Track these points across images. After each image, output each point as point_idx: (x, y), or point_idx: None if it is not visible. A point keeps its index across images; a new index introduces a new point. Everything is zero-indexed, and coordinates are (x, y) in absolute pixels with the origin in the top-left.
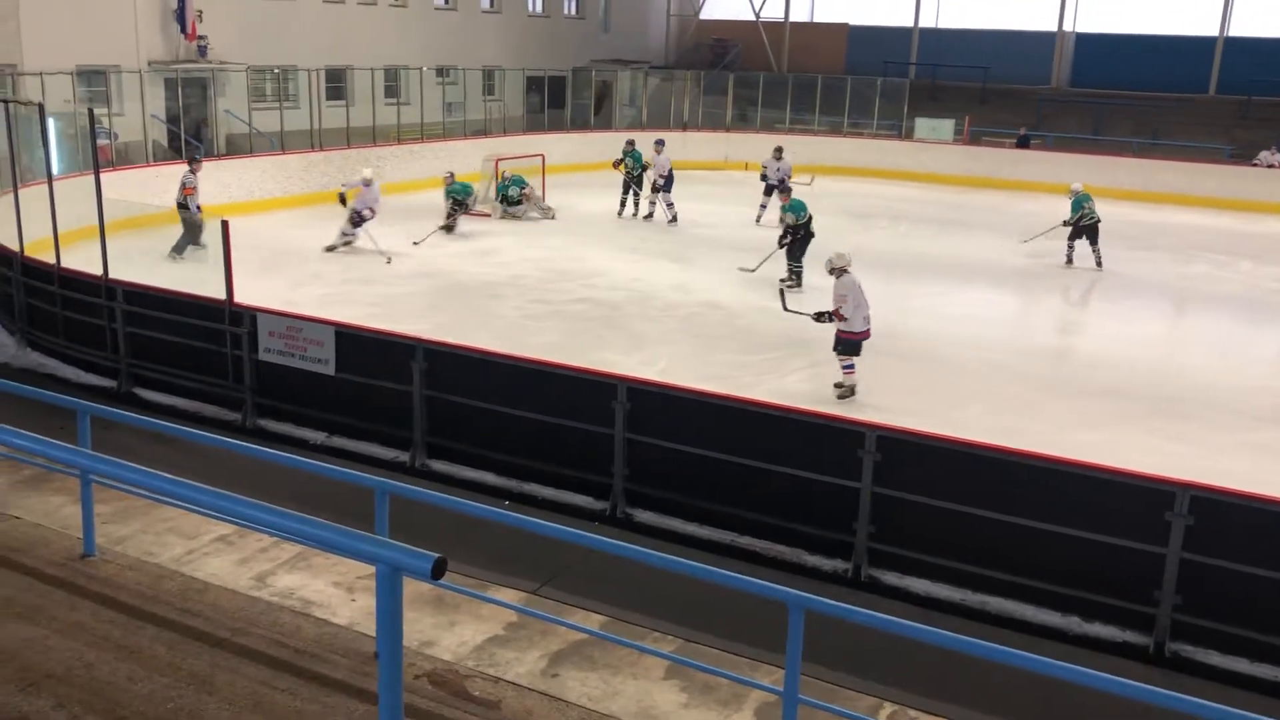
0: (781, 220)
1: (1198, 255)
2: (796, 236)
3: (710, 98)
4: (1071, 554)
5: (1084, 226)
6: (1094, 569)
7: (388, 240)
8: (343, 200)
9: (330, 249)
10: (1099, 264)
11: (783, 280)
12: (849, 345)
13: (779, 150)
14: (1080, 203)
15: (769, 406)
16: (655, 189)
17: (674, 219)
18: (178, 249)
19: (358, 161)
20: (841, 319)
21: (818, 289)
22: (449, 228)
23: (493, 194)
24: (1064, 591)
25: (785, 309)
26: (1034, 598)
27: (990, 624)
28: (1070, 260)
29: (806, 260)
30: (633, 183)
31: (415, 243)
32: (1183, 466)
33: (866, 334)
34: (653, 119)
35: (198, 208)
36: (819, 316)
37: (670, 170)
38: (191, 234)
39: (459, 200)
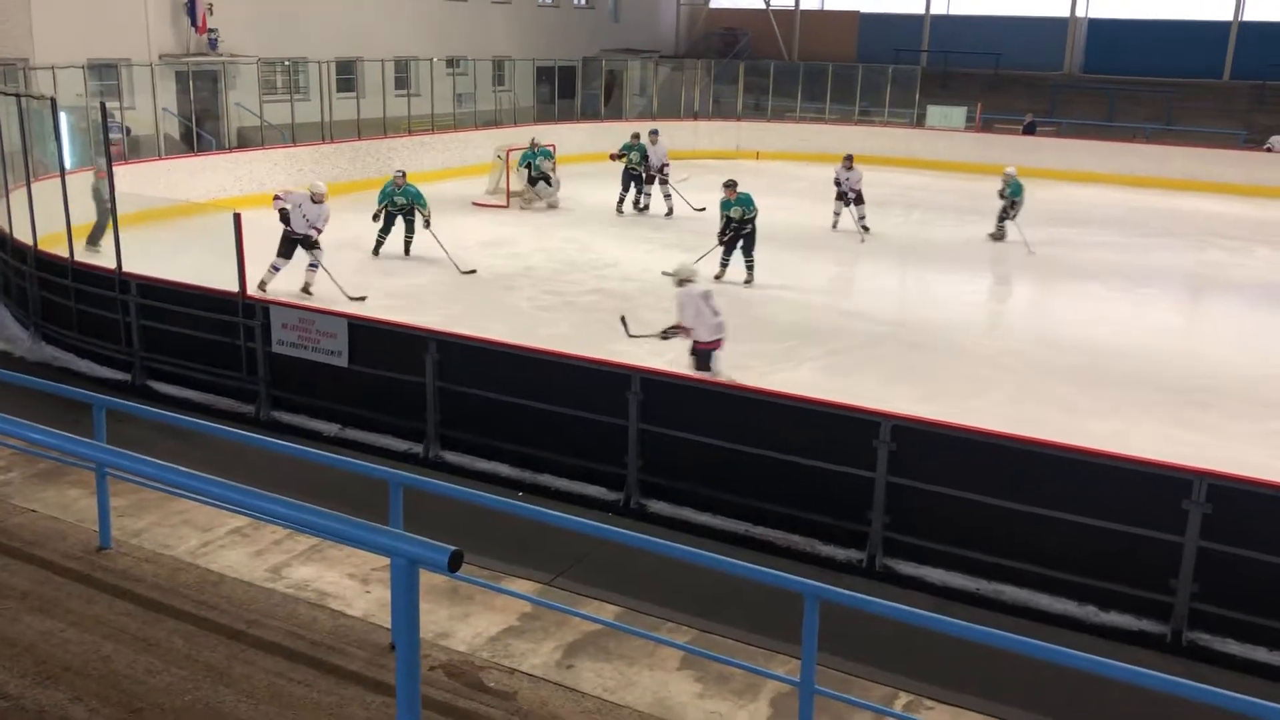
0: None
1: (1213, 242)
2: (743, 232)
3: (721, 86)
4: (1088, 543)
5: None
6: (1111, 558)
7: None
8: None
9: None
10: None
11: (716, 276)
12: (699, 357)
13: (849, 159)
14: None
15: (783, 396)
16: (651, 180)
17: (670, 211)
18: (92, 239)
19: (368, 153)
20: (685, 331)
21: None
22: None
23: (504, 184)
24: (1081, 581)
25: (629, 334)
26: (1050, 587)
27: (1006, 613)
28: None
29: (737, 255)
30: (634, 178)
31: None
32: (1200, 455)
33: (717, 344)
34: (663, 108)
35: (107, 193)
36: (665, 334)
37: (667, 160)
38: (102, 220)
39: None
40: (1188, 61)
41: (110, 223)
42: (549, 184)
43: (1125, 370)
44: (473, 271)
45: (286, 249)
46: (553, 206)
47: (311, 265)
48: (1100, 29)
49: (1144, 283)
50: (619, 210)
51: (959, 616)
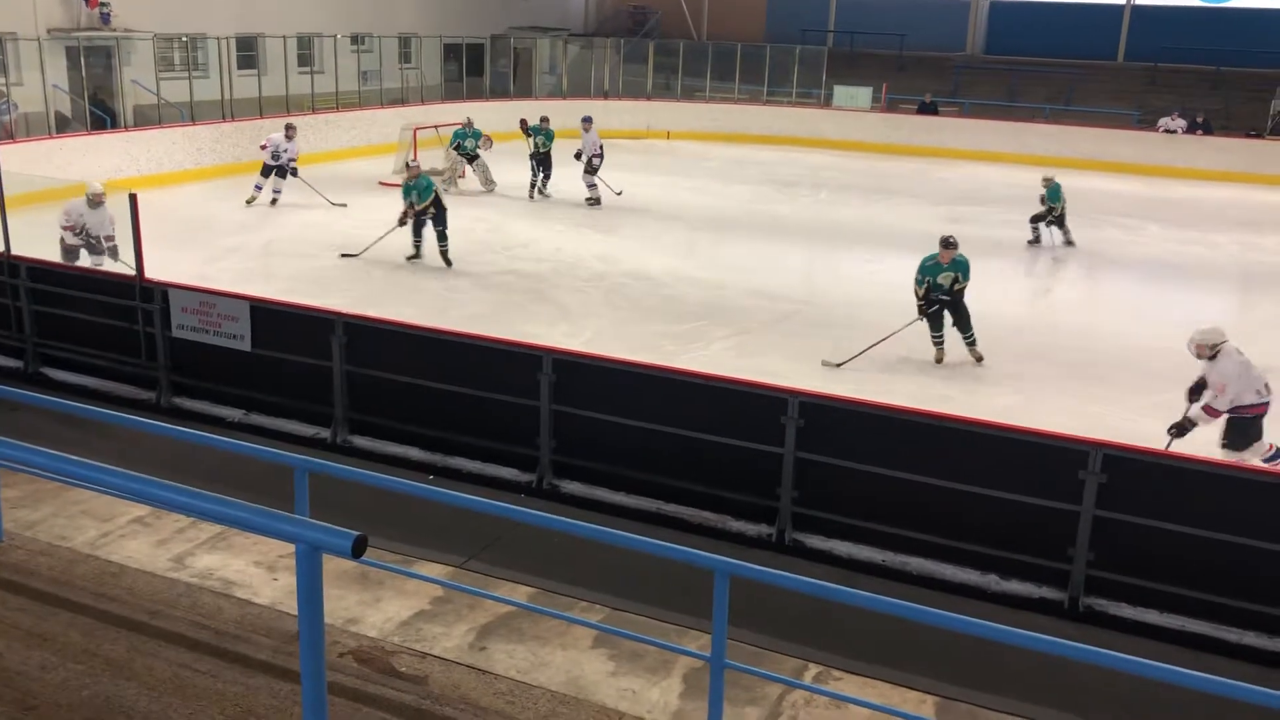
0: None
1: (1109, 220)
2: (427, 216)
3: (631, 66)
4: (990, 514)
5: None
6: (1011, 528)
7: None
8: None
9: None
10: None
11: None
12: (1243, 425)
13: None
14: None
15: (694, 375)
16: (591, 170)
17: (597, 200)
18: None
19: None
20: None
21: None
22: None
23: (411, 159)
24: (983, 551)
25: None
26: (954, 557)
27: (912, 584)
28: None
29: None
30: (540, 162)
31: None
32: (1099, 426)
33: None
34: (573, 87)
35: None
36: (1178, 428)
37: (602, 148)
38: None
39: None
40: (1085, 43)
41: None
42: (483, 165)
43: (1024, 344)
44: (344, 205)
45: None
46: (489, 188)
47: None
48: (1001, 11)
49: (1043, 259)
50: (531, 196)
51: (866, 588)
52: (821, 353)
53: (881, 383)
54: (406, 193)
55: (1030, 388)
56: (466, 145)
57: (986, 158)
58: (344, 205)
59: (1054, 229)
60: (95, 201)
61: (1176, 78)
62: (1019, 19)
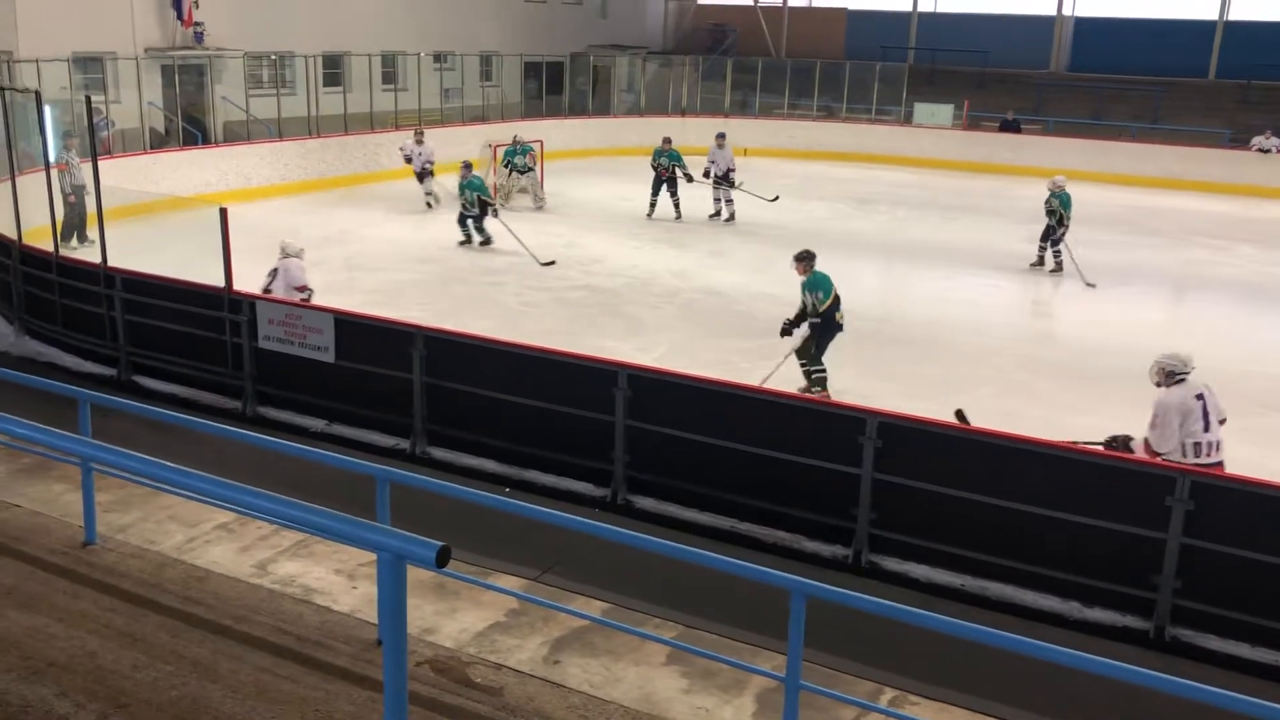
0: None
1: (1197, 240)
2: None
3: (708, 83)
4: (1072, 539)
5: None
6: (1094, 554)
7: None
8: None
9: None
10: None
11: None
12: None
13: (720, 137)
14: (1068, 200)
15: (769, 393)
16: (730, 184)
17: (732, 216)
18: (64, 236)
19: (355, 148)
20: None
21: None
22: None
23: (492, 179)
24: (1064, 577)
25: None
26: (1034, 583)
27: (990, 609)
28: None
29: None
30: (666, 182)
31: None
32: None
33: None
34: (651, 105)
35: (74, 191)
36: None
37: (733, 165)
38: (70, 221)
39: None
40: (1174, 61)
41: (76, 220)
42: (533, 180)
43: (1108, 367)
44: (552, 263)
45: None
46: (539, 205)
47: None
48: (1087, 27)
49: (1127, 280)
50: (648, 216)
51: (944, 612)
52: (900, 372)
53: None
54: (461, 190)
55: (1111, 410)
56: (516, 162)
57: (1070, 176)
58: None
59: (1062, 246)
60: (286, 253)
61: (1271, 95)
62: (1106, 36)
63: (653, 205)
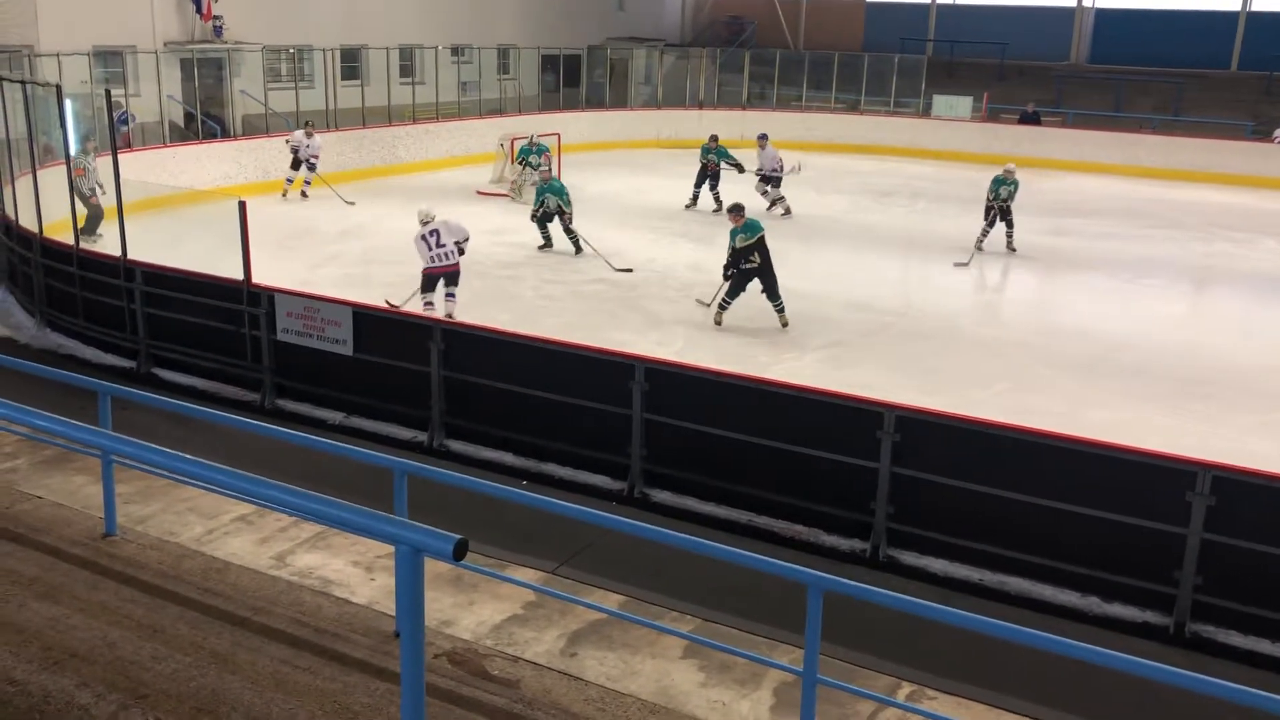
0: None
1: (1219, 233)
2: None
3: (726, 75)
4: (1091, 534)
5: (999, 208)
6: (1114, 549)
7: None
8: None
9: None
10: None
11: None
12: (424, 280)
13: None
14: (997, 184)
15: (787, 386)
16: (777, 184)
17: (787, 211)
18: (85, 230)
19: (374, 141)
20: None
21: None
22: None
23: (508, 173)
24: (1084, 572)
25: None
26: (1053, 578)
27: (1009, 604)
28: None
29: None
30: (710, 176)
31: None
32: (1203, 446)
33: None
34: (669, 97)
35: (92, 191)
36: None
37: (779, 164)
38: (89, 220)
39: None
40: (1195, 52)
41: (93, 216)
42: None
43: (1129, 361)
44: (629, 270)
45: (428, 285)
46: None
47: (450, 295)
48: (1107, 19)
49: (1148, 274)
50: (688, 207)
51: (962, 607)
52: (918, 366)
53: (974, 403)
54: (540, 193)
55: (1133, 404)
56: (530, 160)
57: (1090, 169)
58: (353, 203)
59: (1001, 226)
60: (425, 219)
61: None
62: (1126, 27)
63: (695, 198)
